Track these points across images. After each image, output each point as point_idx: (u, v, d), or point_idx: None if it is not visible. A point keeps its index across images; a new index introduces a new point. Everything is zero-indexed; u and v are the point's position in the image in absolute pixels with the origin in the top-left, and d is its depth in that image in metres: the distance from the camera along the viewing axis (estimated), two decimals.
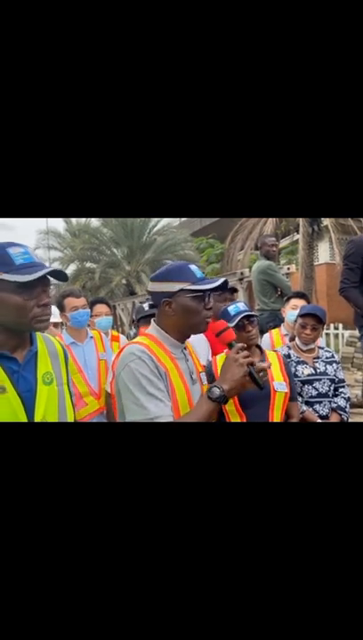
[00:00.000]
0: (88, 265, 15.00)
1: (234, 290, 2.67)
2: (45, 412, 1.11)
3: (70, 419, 1.19)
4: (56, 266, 14.96)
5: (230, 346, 1.24)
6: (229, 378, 1.16)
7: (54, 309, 2.86)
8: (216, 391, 1.14)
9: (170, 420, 1.13)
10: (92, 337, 2.48)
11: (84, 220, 15.41)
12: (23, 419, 1.07)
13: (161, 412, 1.12)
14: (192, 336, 1.33)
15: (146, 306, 2.28)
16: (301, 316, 2.29)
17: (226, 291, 2.54)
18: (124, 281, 13.95)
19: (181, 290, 1.20)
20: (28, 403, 1.08)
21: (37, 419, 1.09)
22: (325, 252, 11.72)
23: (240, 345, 1.21)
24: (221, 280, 1.21)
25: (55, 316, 2.84)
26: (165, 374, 1.18)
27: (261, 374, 1.23)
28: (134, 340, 1.27)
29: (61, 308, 2.42)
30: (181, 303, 1.21)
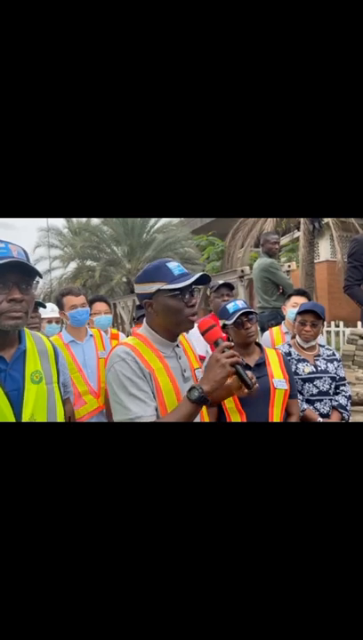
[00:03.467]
0: (88, 263, 15.01)
1: (231, 286, 2.67)
2: (34, 410, 1.10)
3: (60, 418, 1.18)
4: (57, 264, 15.04)
5: (216, 344, 1.22)
6: (211, 378, 1.14)
7: (52, 305, 2.85)
8: (195, 392, 1.13)
9: (152, 419, 1.15)
10: (91, 335, 2.47)
11: (84, 218, 15.42)
12: (11, 418, 1.06)
13: (143, 412, 1.13)
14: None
15: None
16: (299, 313, 2.28)
17: (224, 287, 2.55)
18: (124, 279, 13.95)
19: (159, 290, 1.19)
20: (16, 402, 1.07)
21: (25, 418, 1.08)
22: (325, 250, 11.70)
23: (225, 344, 1.20)
24: (196, 276, 1.18)
25: (54, 311, 2.84)
26: (149, 375, 1.18)
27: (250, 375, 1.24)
28: (123, 341, 1.28)
29: (60, 307, 2.41)
30: (161, 303, 1.20)
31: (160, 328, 1.25)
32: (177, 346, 1.30)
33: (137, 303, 2.51)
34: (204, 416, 1.33)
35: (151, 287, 1.21)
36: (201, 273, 1.21)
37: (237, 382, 1.27)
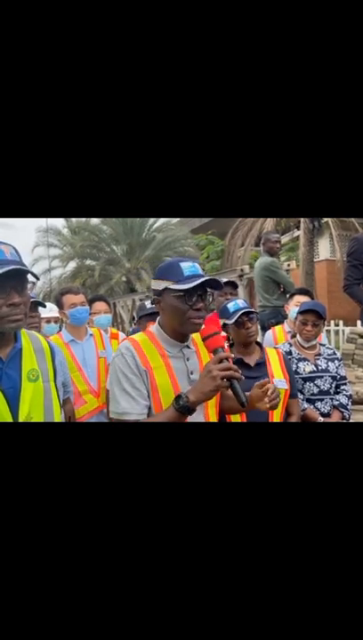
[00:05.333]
0: (88, 262, 15.01)
1: (235, 285, 2.66)
2: (30, 409, 1.10)
3: (57, 416, 1.18)
4: (56, 263, 15.04)
5: (215, 353, 1.16)
6: (198, 389, 1.11)
7: (51, 305, 2.84)
8: (180, 401, 1.11)
9: (139, 417, 1.16)
10: (91, 335, 2.46)
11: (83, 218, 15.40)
12: (7, 416, 1.06)
13: (131, 409, 1.16)
14: None
15: (148, 303, 2.27)
16: (301, 312, 2.28)
17: (228, 286, 2.53)
18: (123, 278, 13.96)
19: (166, 289, 1.18)
20: (12, 400, 1.08)
21: (22, 416, 1.08)
22: (325, 249, 11.70)
23: (223, 355, 1.13)
24: (200, 280, 1.14)
25: (52, 311, 2.83)
26: (145, 373, 1.18)
27: (273, 396, 1.19)
28: (130, 336, 1.31)
29: (60, 306, 2.40)
30: (167, 302, 1.20)
31: (167, 327, 1.25)
32: (187, 346, 1.27)
33: (139, 302, 2.49)
34: (209, 416, 1.31)
35: (160, 285, 1.20)
36: (208, 277, 1.17)
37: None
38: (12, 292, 1.05)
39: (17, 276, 1.06)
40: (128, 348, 1.21)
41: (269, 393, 1.21)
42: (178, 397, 1.12)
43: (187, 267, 1.19)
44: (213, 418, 1.32)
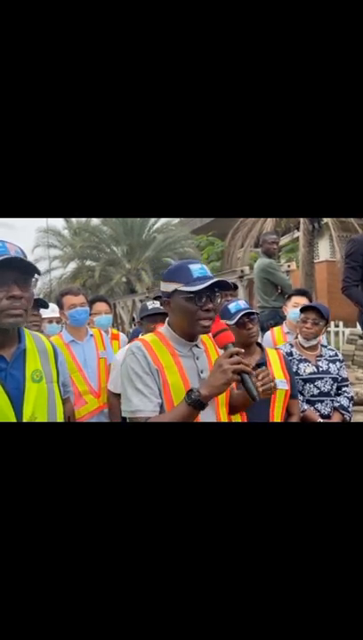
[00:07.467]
0: (88, 263, 15.00)
1: (234, 286, 2.66)
2: (34, 409, 1.11)
3: (60, 417, 1.19)
4: (56, 264, 15.04)
5: (225, 348, 1.20)
6: (210, 383, 1.14)
7: (53, 305, 2.84)
8: (192, 395, 1.13)
9: (152, 415, 1.17)
10: (92, 335, 2.47)
11: (83, 218, 15.39)
12: (11, 416, 1.07)
13: (144, 406, 1.18)
14: None
15: (150, 304, 2.27)
16: (302, 310, 2.27)
17: (226, 289, 2.54)
18: (124, 279, 13.95)
19: (176, 290, 1.20)
20: (17, 400, 1.08)
21: (26, 416, 1.09)
22: (325, 250, 11.70)
23: (234, 350, 1.16)
24: (210, 282, 1.17)
25: (54, 311, 2.83)
26: (157, 371, 1.21)
27: (266, 380, 1.20)
28: (141, 337, 1.33)
29: (60, 306, 2.40)
30: (177, 303, 1.21)
31: (177, 327, 1.26)
32: (196, 346, 1.30)
33: (141, 303, 2.50)
34: (220, 414, 1.32)
35: (169, 287, 1.22)
36: (217, 279, 1.19)
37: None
38: (12, 285, 1.04)
39: (19, 270, 1.05)
40: (139, 348, 1.23)
41: (260, 377, 1.22)
42: (189, 392, 1.14)
43: (196, 269, 1.21)
44: (224, 416, 1.34)
